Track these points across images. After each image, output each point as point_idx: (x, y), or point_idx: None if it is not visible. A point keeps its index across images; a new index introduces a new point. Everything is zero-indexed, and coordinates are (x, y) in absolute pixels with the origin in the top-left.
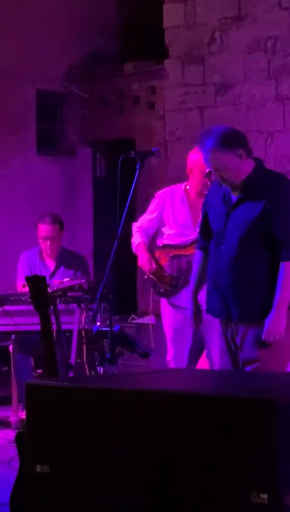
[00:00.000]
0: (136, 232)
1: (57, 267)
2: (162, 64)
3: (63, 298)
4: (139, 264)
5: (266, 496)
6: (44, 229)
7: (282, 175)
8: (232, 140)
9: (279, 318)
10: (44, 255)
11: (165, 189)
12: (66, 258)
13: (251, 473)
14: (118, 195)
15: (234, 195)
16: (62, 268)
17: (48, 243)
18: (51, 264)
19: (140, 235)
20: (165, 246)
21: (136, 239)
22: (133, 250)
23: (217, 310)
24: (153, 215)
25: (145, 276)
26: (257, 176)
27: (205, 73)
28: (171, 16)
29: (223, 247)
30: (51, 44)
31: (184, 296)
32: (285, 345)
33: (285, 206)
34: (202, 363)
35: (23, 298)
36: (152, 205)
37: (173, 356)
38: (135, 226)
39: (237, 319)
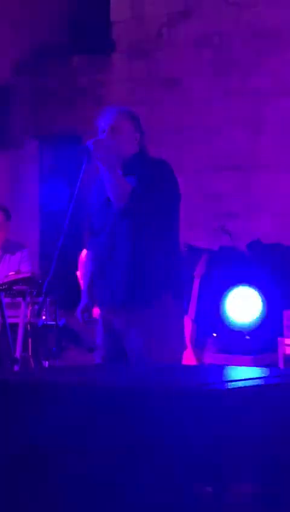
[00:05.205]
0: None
1: (0, 258)
2: (110, 58)
3: (8, 292)
4: None
5: (210, 489)
6: None
7: (164, 161)
8: (139, 124)
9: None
10: None
11: None
12: (11, 249)
13: (194, 465)
14: (77, 186)
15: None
16: (6, 258)
17: None
18: None
19: None
20: None
21: None
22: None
23: (103, 299)
24: None
25: None
26: (138, 158)
27: (151, 67)
28: (118, 9)
29: (106, 234)
30: None
31: None
32: (172, 334)
33: (151, 180)
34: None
35: None
36: None
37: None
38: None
39: (120, 306)
